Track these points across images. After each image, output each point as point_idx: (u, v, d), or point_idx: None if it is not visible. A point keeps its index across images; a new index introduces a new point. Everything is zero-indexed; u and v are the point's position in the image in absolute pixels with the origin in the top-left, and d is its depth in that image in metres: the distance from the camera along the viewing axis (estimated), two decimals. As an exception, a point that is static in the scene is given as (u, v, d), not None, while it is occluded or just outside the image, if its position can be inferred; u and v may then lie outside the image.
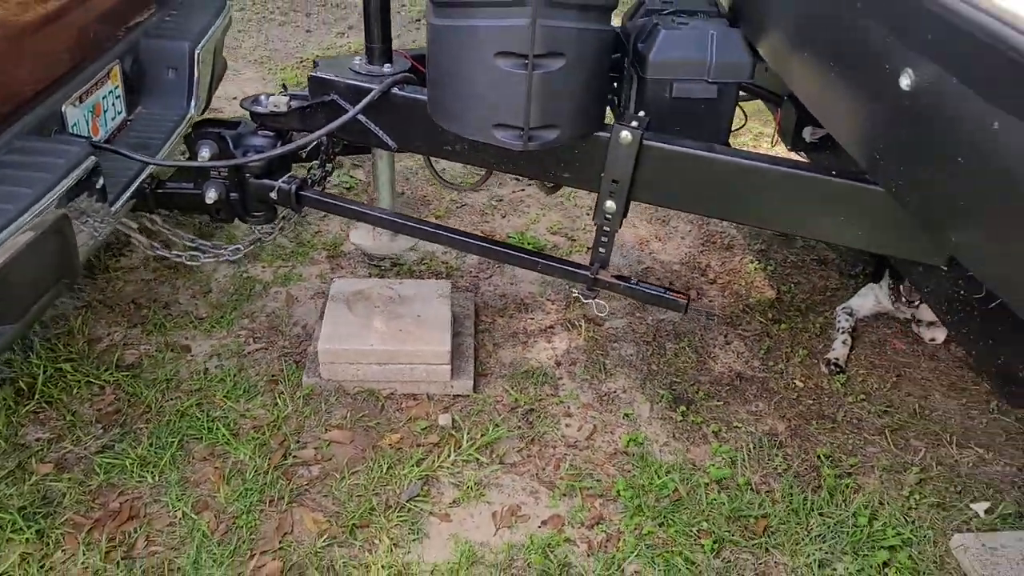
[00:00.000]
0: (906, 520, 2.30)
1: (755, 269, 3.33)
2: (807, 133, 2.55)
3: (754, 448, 2.50)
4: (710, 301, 3.15)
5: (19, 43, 2.06)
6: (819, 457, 2.49)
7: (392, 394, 2.60)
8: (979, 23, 1.11)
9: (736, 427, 2.58)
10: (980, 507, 2.36)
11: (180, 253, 2.55)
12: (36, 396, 2.51)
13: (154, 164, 2.26)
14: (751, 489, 2.37)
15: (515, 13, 1.85)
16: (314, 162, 2.52)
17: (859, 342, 2.97)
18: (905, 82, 1.29)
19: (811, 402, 2.70)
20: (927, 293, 2.01)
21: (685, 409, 2.63)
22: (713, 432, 2.56)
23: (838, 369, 2.81)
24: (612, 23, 2.04)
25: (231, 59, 4.90)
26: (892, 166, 1.56)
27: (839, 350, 2.87)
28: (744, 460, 2.46)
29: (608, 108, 2.67)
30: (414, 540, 2.18)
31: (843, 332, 2.94)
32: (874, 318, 3.07)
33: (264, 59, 4.98)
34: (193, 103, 2.73)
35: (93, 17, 2.42)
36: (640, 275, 3.24)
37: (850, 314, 3.01)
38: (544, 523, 2.26)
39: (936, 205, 1.45)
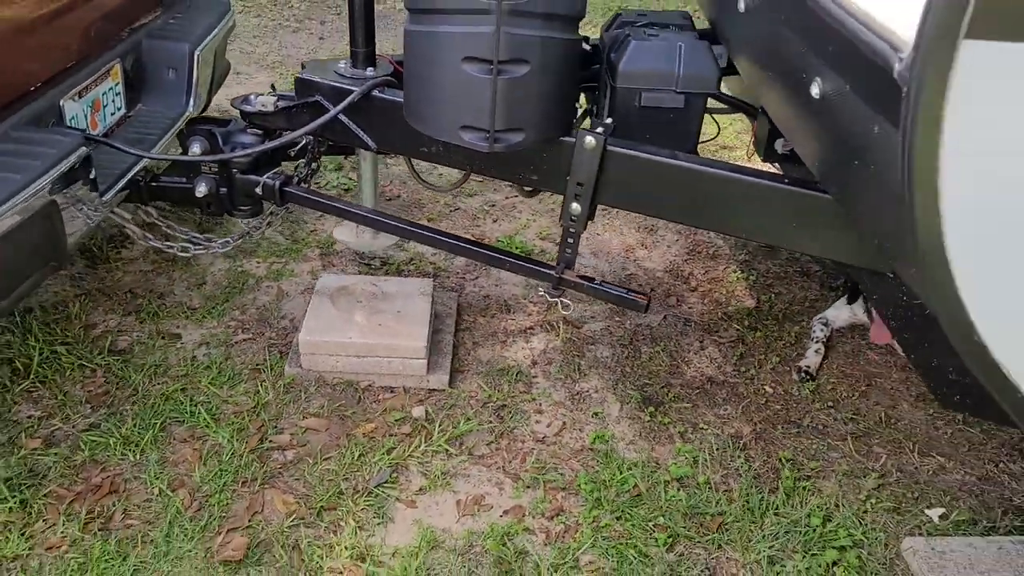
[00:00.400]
0: (859, 522, 2.35)
1: (737, 279, 3.40)
2: (779, 145, 2.62)
3: (717, 449, 2.57)
4: (689, 308, 3.22)
5: (21, 39, 2.20)
6: (781, 460, 2.55)
7: (370, 386, 2.70)
8: (847, 26, 1.19)
9: (702, 429, 2.65)
10: (935, 513, 2.40)
11: (172, 244, 2.67)
12: (31, 376, 2.63)
13: (144, 157, 2.38)
14: (710, 488, 2.44)
15: (481, 21, 1.94)
16: (300, 160, 2.63)
17: (834, 352, 3.03)
18: (815, 91, 1.37)
19: (779, 407, 2.76)
20: (875, 299, 2.07)
21: (654, 410, 2.70)
22: (679, 433, 2.63)
23: (808, 377, 2.87)
24: (579, 33, 2.14)
25: (245, 63, 5.07)
26: (830, 174, 1.63)
27: (811, 358, 2.93)
28: (706, 460, 2.53)
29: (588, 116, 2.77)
30: (379, 524, 2.27)
31: (817, 341, 3.00)
32: (850, 329, 3.12)
33: (276, 64, 5.13)
34: (192, 102, 2.85)
35: (96, 17, 2.55)
36: (623, 281, 3.32)
37: (825, 324, 3.07)
38: (506, 512, 2.34)
39: (862, 212, 1.53)
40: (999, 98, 1.02)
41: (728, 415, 2.72)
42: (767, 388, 2.84)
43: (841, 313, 3.10)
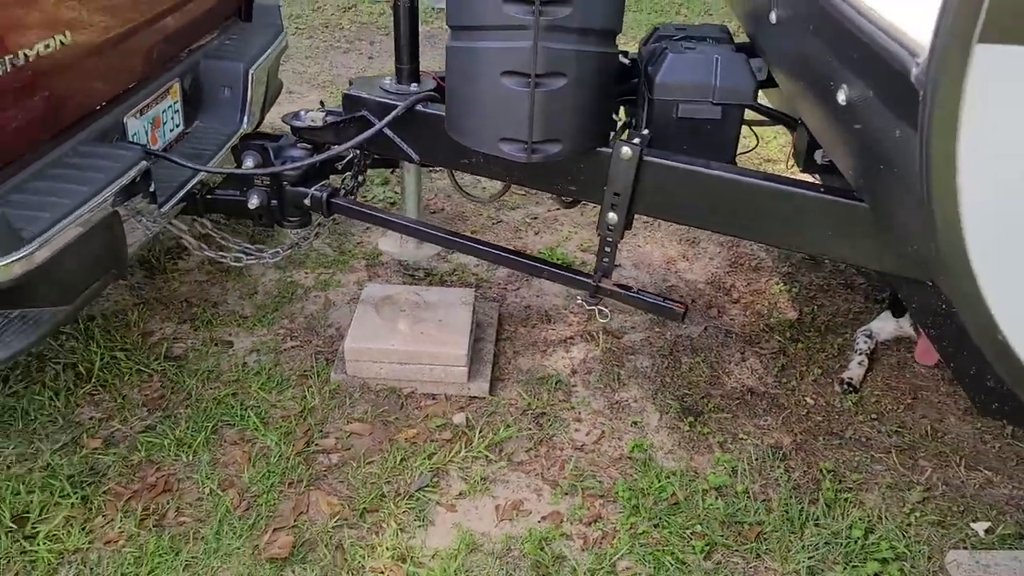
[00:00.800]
0: (903, 535, 2.33)
1: (780, 291, 3.40)
2: (818, 155, 2.63)
3: (756, 459, 2.57)
4: (730, 319, 3.22)
5: (90, 61, 2.33)
6: (822, 471, 2.54)
7: (412, 392, 2.76)
8: (867, 32, 1.21)
9: (742, 439, 2.65)
10: (980, 527, 2.37)
11: (225, 254, 2.78)
12: (92, 380, 2.76)
13: (201, 170, 2.50)
14: (749, 497, 2.44)
15: (519, 36, 2.01)
16: (347, 173, 2.73)
17: (879, 364, 3.00)
18: (842, 98, 1.40)
19: (820, 419, 2.75)
20: (914, 309, 2.07)
21: (693, 420, 2.71)
22: (718, 443, 2.64)
23: (851, 389, 2.85)
24: (616, 46, 2.19)
25: (297, 83, 5.23)
26: (862, 181, 1.65)
27: (854, 370, 2.91)
28: (745, 470, 2.53)
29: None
30: (419, 526, 2.33)
31: (860, 353, 2.98)
32: (895, 342, 3.09)
33: (327, 83, 5.28)
34: (245, 119, 2.98)
35: (158, 40, 2.69)
36: (664, 292, 3.34)
37: (869, 336, 3.05)
38: (544, 518, 2.37)
39: (892, 217, 1.54)
40: (1014, 101, 1.04)
41: (768, 426, 2.72)
42: (808, 400, 2.83)
43: (886, 326, 3.07)
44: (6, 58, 1.97)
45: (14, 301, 2.02)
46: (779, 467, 2.55)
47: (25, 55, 2.03)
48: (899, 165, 1.26)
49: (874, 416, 2.77)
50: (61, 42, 2.17)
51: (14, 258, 1.87)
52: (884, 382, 2.93)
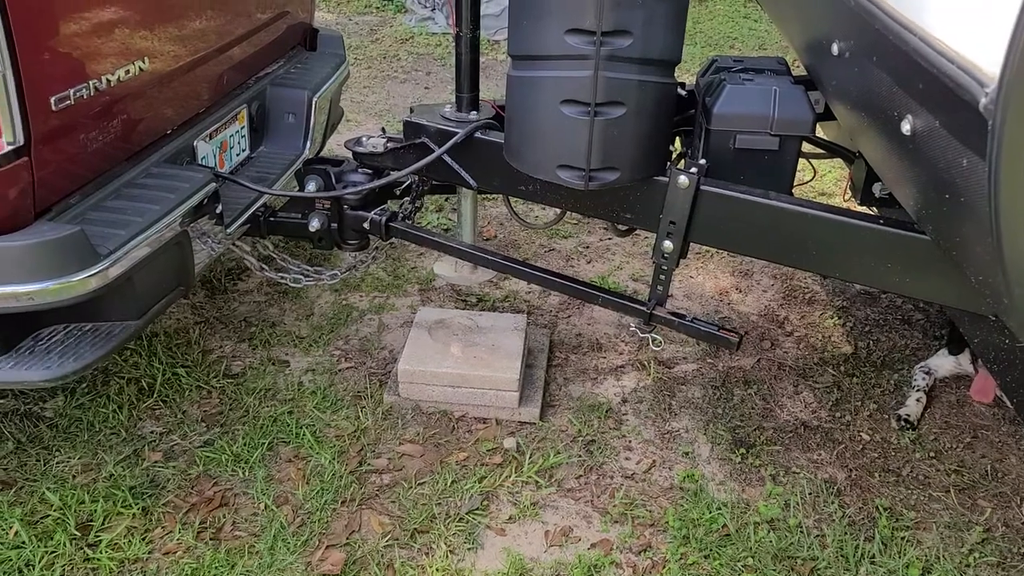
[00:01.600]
0: (961, 576, 2.28)
1: (834, 324, 3.36)
2: (876, 188, 2.61)
3: (810, 494, 2.53)
4: (784, 352, 3.20)
5: (165, 88, 2.43)
6: (878, 508, 2.49)
7: (463, 416, 2.79)
8: (934, 63, 1.22)
9: (795, 472, 2.62)
10: (1044, 571, 2.30)
11: (285, 275, 2.85)
12: (154, 394, 2.84)
13: (266, 193, 2.57)
14: (802, 532, 2.41)
15: (580, 66, 2.05)
16: (406, 198, 2.79)
17: (937, 401, 2.95)
18: (906, 128, 1.40)
19: (876, 455, 2.70)
20: (976, 343, 2.04)
21: (745, 452, 2.69)
22: (771, 475, 2.61)
23: (908, 425, 2.80)
24: (674, 77, 2.22)
25: (355, 111, 5.36)
26: (925, 212, 1.64)
27: (912, 407, 2.86)
28: (798, 504, 2.50)
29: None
30: (469, 549, 2.34)
31: (918, 390, 2.92)
32: (954, 379, 3.03)
33: (384, 112, 5.40)
34: (308, 145, 3.07)
35: (228, 68, 2.80)
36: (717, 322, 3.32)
37: (927, 373, 2.99)
38: (593, 545, 2.37)
39: (957, 249, 1.53)
40: (1086, 130, 1.04)
41: (822, 460, 2.68)
42: (864, 435, 2.78)
43: (944, 363, 3.02)
44: (90, 83, 2.07)
45: (88, 314, 2.11)
46: (833, 502, 2.51)
47: (107, 80, 2.13)
48: (965, 195, 1.26)
49: (932, 454, 2.71)
50: (140, 69, 2.27)
51: (90, 273, 1.95)
52: (943, 419, 2.87)
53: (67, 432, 2.67)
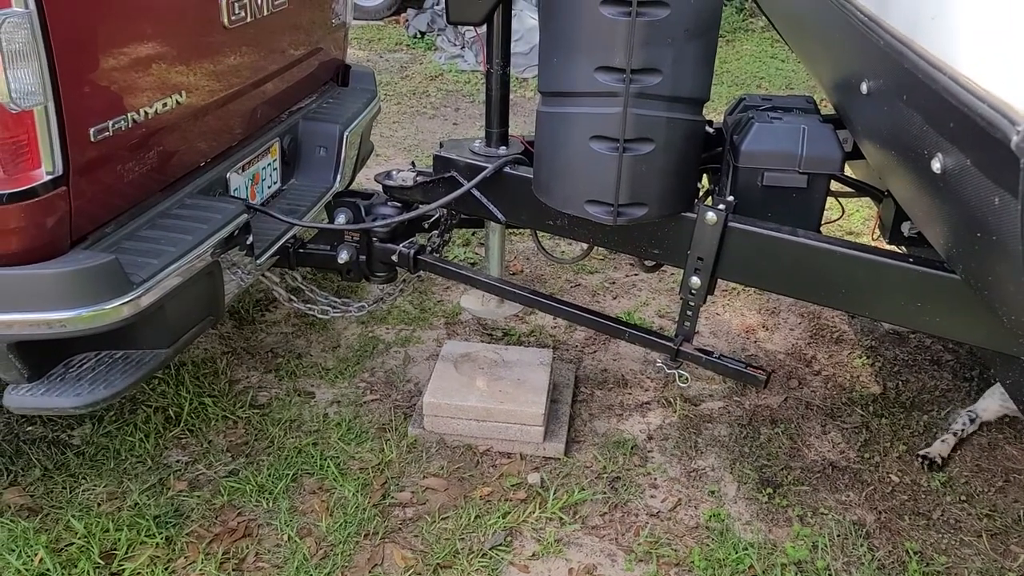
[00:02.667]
0: (996, 625, 2.22)
1: (863, 364, 3.32)
2: (905, 227, 2.59)
3: (838, 536, 2.49)
4: (812, 391, 3.16)
5: (200, 121, 2.48)
6: (908, 552, 2.44)
7: (488, 450, 2.78)
8: (965, 102, 1.22)
9: (823, 514, 2.58)
10: (1082, 621, 2.24)
11: (313, 307, 2.88)
12: (181, 424, 2.86)
13: (296, 224, 2.61)
14: (830, 574, 2.36)
15: (609, 103, 2.07)
16: (434, 232, 2.81)
17: (969, 444, 2.89)
18: (936, 166, 1.40)
19: (906, 497, 2.65)
20: (1008, 385, 2.01)
21: (772, 492, 2.65)
22: (798, 516, 2.57)
23: (930, 464, 2.74)
24: (703, 115, 2.23)
25: (385, 146, 5.43)
26: (956, 251, 1.63)
27: (936, 447, 2.81)
28: (826, 545, 2.45)
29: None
30: (491, 585, 2.32)
31: (953, 433, 2.87)
32: (998, 421, 2.97)
33: (413, 147, 5.47)
34: (338, 178, 3.11)
35: (263, 102, 2.85)
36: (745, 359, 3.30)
37: (973, 419, 2.92)
38: (617, 584, 2.34)
39: (988, 288, 1.52)
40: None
41: (850, 501, 2.63)
42: (893, 477, 2.73)
43: (991, 404, 2.94)
44: (128, 115, 2.12)
45: (120, 342, 2.13)
46: (862, 545, 2.46)
47: (145, 113, 2.18)
48: (997, 234, 1.25)
49: (963, 497, 2.66)
50: (177, 102, 2.32)
51: (123, 301, 1.98)
52: (974, 462, 2.82)
53: (93, 460, 2.69)
